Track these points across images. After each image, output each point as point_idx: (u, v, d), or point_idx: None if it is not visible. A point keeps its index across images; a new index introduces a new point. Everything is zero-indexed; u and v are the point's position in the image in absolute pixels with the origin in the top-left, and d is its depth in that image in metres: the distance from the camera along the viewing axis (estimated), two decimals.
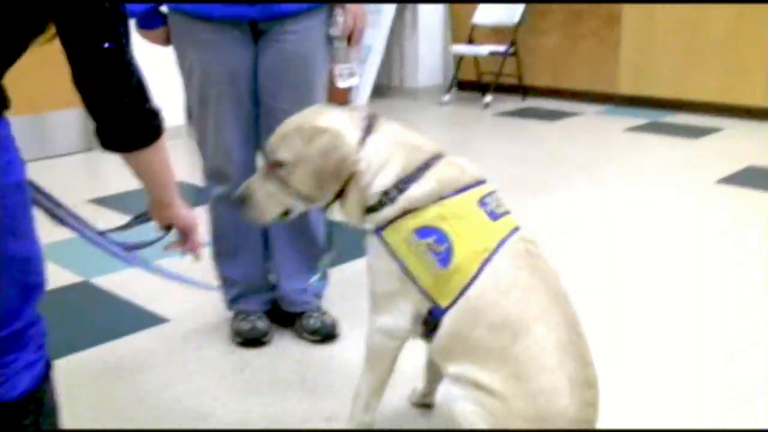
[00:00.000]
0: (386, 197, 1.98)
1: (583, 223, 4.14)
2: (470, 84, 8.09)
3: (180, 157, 5.67)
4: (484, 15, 7.78)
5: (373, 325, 2.09)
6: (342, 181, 2.02)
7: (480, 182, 2.02)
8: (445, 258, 1.92)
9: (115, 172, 5.40)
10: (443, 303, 1.94)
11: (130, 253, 1.95)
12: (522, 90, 7.79)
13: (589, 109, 7.28)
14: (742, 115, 6.64)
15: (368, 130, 2.04)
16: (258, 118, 2.75)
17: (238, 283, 2.91)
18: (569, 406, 1.82)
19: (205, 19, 2.58)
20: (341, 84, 2.78)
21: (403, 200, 1.97)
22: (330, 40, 2.73)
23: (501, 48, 7.53)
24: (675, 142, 5.94)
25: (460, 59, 7.95)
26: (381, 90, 8.14)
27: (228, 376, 2.65)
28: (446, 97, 7.83)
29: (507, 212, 2.03)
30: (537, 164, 5.40)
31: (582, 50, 7.57)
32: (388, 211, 1.98)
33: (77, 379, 2.62)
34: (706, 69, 6.84)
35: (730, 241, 3.82)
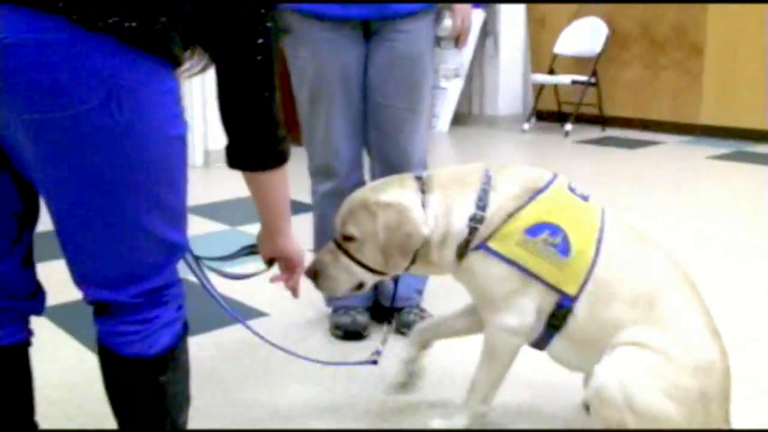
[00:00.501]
0: (474, 221, 2.01)
1: (666, 240, 4.11)
2: (549, 114, 8.11)
3: None
4: (566, 45, 7.82)
5: (496, 323, 2.08)
6: (411, 254, 2.04)
7: (555, 174, 2.09)
8: (564, 248, 1.96)
9: (204, 185, 5.54)
10: (572, 291, 1.98)
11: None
12: (602, 120, 7.78)
13: (671, 139, 7.24)
14: None
15: (424, 190, 2.07)
16: (366, 115, 2.82)
17: None
18: (717, 355, 1.91)
19: (319, 18, 2.66)
20: (445, 84, 2.85)
21: (495, 210, 2.00)
22: (437, 40, 2.80)
23: (583, 77, 7.55)
24: (762, 170, 5.87)
25: (540, 88, 7.99)
26: (461, 117, 8.21)
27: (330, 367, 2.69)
28: (526, 125, 7.86)
29: (587, 195, 2.12)
30: (619, 187, 5.39)
31: (664, 81, 7.54)
32: (482, 230, 2.01)
33: None
34: None
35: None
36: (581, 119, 7.74)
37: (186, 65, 1.66)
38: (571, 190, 2.07)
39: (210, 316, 3.10)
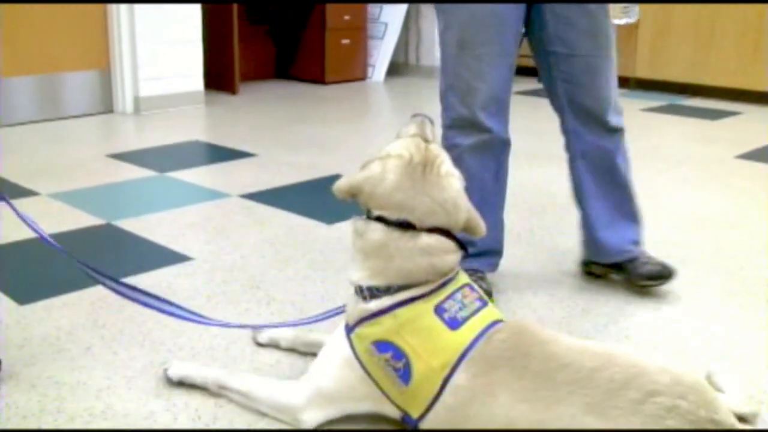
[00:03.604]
0: (371, 292, 1.88)
1: None
2: None
3: (198, 120, 5.74)
4: None
5: (299, 396, 1.96)
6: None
7: (442, 284, 1.88)
8: (404, 375, 1.82)
9: (133, 132, 5.43)
10: (414, 414, 1.86)
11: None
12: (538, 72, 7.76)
13: None
14: (760, 100, 6.65)
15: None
16: (548, 69, 2.70)
17: (474, 244, 2.55)
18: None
19: None
20: (617, 22, 2.65)
21: (375, 304, 1.87)
22: None
23: None
24: (692, 123, 5.95)
25: None
26: (397, 68, 8.15)
27: (253, 309, 2.65)
28: None
29: (475, 312, 1.87)
30: (552, 138, 5.37)
31: None
32: (359, 309, 1.90)
33: (103, 306, 2.62)
34: (722, 54, 6.84)
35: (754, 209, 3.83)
36: (517, 71, 7.69)
37: None
38: (440, 312, 1.84)
39: (132, 261, 3.05)
